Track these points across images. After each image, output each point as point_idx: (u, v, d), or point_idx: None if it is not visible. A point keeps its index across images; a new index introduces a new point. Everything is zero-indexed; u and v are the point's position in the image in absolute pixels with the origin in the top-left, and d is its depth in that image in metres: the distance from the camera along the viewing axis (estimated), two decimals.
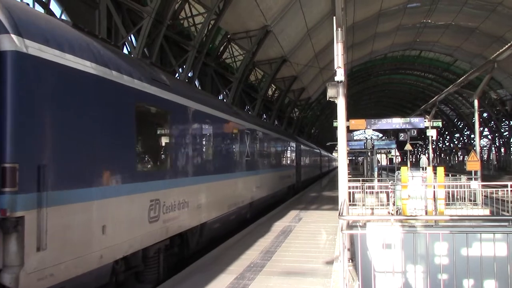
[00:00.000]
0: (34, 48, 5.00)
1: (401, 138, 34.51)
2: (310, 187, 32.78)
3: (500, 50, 16.69)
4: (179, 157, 9.05)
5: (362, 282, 6.24)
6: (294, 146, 28.03)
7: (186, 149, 9.37)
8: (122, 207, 6.62)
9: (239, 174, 13.71)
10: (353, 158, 70.16)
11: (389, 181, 18.84)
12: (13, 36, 4.77)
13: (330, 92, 8.60)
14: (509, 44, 15.98)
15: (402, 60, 55.82)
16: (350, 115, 18.89)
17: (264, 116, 39.40)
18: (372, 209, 15.91)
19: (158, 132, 8.77)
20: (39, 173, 4.87)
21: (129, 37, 17.90)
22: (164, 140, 8.78)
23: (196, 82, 24.37)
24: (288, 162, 25.51)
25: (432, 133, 26.50)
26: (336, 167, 77.37)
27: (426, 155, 63.46)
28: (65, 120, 5.44)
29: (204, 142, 10.78)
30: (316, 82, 43.51)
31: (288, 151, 25.59)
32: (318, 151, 47.95)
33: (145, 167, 7.99)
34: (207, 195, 10.46)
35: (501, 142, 62.37)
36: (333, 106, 33.79)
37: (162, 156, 8.92)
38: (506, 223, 10.54)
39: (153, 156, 8.58)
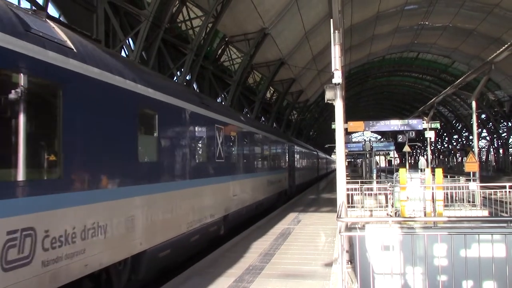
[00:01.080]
0: None
1: (399, 140, 34.49)
2: (306, 192, 31.17)
3: (498, 52, 16.72)
4: (82, 157, 5.88)
5: (361, 284, 6.23)
6: (287, 146, 25.79)
7: (101, 145, 6.36)
8: None
9: (205, 180, 10.75)
10: (352, 160, 70.16)
11: (388, 182, 18.84)
12: None
13: (328, 94, 8.60)
14: (506, 45, 16.01)
15: (400, 62, 55.93)
16: (348, 117, 18.83)
17: (263, 119, 39.41)
18: (371, 211, 15.91)
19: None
20: None
21: (127, 41, 17.90)
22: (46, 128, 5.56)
23: (194, 85, 24.36)
24: (279, 164, 22.92)
25: (430, 135, 26.53)
26: (335, 169, 77.39)
27: (425, 156, 63.49)
28: None
29: (143, 137, 7.83)
30: (314, 84, 43.56)
31: (279, 152, 23.15)
32: (315, 152, 46.26)
33: None
34: (148, 212, 7.56)
35: (499, 143, 62.43)
36: (331, 108, 33.80)
37: (45, 156, 5.52)
38: (505, 224, 10.51)
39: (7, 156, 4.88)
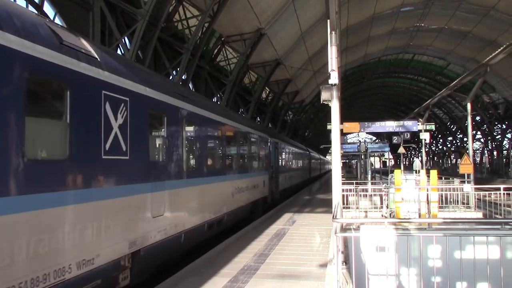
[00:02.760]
0: None
1: (394, 141, 34.66)
2: (296, 196, 27.15)
3: (493, 54, 16.81)
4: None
5: (356, 285, 6.23)
6: (269, 144, 21.05)
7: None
8: None
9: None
10: (347, 161, 70.29)
11: (383, 184, 18.88)
12: None
13: (324, 95, 8.61)
14: (502, 48, 16.08)
15: (395, 63, 56.10)
16: (344, 118, 18.77)
17: (258, 119, 39.41)
18: (366, 212, 15.94)
19: None
20: None
21: (123, 39, 17.85)
22: None
23: (190, 85, 24.33)
24: (257, 165, 18.05)
25: (425, 136, 26.61)
26: (329, 171, 77.34)
27: (420, 158, 63.73)
28: None
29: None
30: (310, 85, 43.63)
31: (257, 150, 18.29)
32: (307, 152, 42.62)
33: None
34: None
35: (493, 146, 62.74)
36: (326, 109, 33.86)
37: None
38: (499, 226, 10.56)
39: None
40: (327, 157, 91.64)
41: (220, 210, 12.13)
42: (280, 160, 24.26)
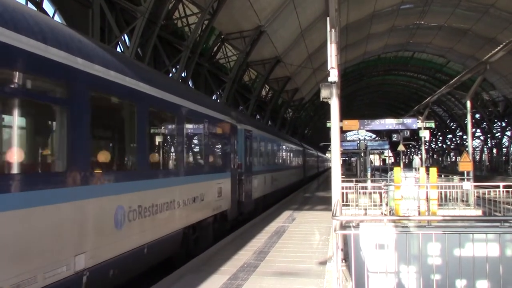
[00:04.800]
0: None
1: (394, 139, 34.66)
2: (279, 205, 20.48)
3: (493, 52, 16.78)
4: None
5: (355, 282, 6.25)
6: (234, 131, 14.27)
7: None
8: None
9: None
10: (346, 158, 70.27)
11: (382, 181, 18.89)
12: None
13: (324, 93, 8.59)
14: (501, 45, 16.06)
15: (395, 61, 56.05)
16: (343, 116, 18.63)
17: (258, 117, 39.39)
18: (365, 209, 15.95)
19: None
20: None
21: (123, 37, 17.83)
22: None
23: (189, 82, 24.32)
24: (203, 162, 11.31)
25: (425, 134, 26.62)
26: (327, 168, 77.14)
27: (419, 155, 63.71)
28: None
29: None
30: (310, 83, 43.61)
31: (205, 139, 11.24)
32: (300, 148, 36.90)
33: None
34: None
35: (493, 143, 62.76)
36: (326, 106, 33.87)
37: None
38: (498, 224, 10.58)
39: None
40: (326, 154, 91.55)
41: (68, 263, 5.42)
42: (255, 156, 17.95)
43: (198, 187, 10.49)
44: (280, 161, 25.96)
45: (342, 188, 12.72)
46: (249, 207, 16.32)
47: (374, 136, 68.24)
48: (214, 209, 11.78)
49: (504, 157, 60.53)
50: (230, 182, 13.44)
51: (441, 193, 16.10)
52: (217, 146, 12.62)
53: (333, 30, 8.24)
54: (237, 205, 14.50)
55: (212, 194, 11.56)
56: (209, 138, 11.53)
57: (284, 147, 27.24)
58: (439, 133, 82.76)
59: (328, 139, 14.45)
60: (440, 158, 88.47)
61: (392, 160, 66.48)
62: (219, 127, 12.55)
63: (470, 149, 19.51)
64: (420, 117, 27.28)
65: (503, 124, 57.49)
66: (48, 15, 14.06)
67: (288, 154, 29.46)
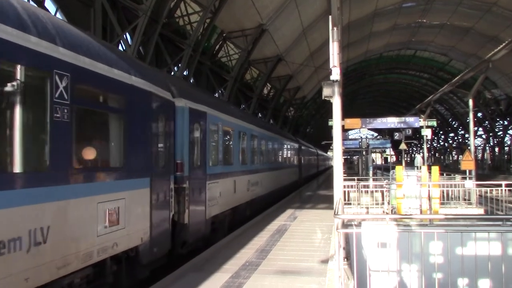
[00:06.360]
0: None
1: (396, 138, 34.57)
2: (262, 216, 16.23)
3: (495, 50, 16.77)
4: None
5: (357, 280, 6.24)
6: (171, 111, 9.25)
7: None
8: None
9: None
10: (348, 157, 70.20)
11: (384, 180, 18.87)
12: None
13: (326, 91, 8.58)
14: (504, 44, 16.03)
15: (397, 59, 55.92)
16: (345, 114, 18.41)
17: (260, 115, 39.38)
18: (367, 208, 15.93)
19: None
20: None
21: (125, 35, 17.84)
22: None
23: (191, 81, 24.31)
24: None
25: (427, 133, 26.60)
26: (328, 167, 77.02)
27: (421, 154, 63.68)
28: None
29: None
30: (311, 81, 43.57)
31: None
32: (295, 145, 32.38)
33: None
34: None
35: (495, 142, 62.61)
36: (328, 105, 33.78)
37: None
38: (500, 222, 10.55)
39: None
40: (328, 153, 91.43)
41: None
42: (215, 152, 12.42)
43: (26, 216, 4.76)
44: (264, 158, 19.96)
45: (344, 186, 12.73)
46: (200, 232, 10.55)
47: (376, 134, 68.19)
48: (83, 257, 5.77)
49: (506, 156, 60.36)
50: (148, 195, 7.82)
51: (443, 192, 16.08)
52: (112, 134, 7.02)
53: (335, 28, 8.23)
54: (169, 233, 8.92)
55: (77, 225, 5.70)
56: (87, 116, 6.34)
57: (270, 141, 21.39)
58: (441, 132, 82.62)
59: (329, 137, 14.45)
60: (442, 157, 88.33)
61: (394, 158, 66.33)
62: (121, 99, 7.03)
63: (472, 148, 19.49)
64: (422, 115, 27.24)
65: (505, 122, 57.34)
66: (50, 13, 14.08)
67: (277, 150, 24.06)
